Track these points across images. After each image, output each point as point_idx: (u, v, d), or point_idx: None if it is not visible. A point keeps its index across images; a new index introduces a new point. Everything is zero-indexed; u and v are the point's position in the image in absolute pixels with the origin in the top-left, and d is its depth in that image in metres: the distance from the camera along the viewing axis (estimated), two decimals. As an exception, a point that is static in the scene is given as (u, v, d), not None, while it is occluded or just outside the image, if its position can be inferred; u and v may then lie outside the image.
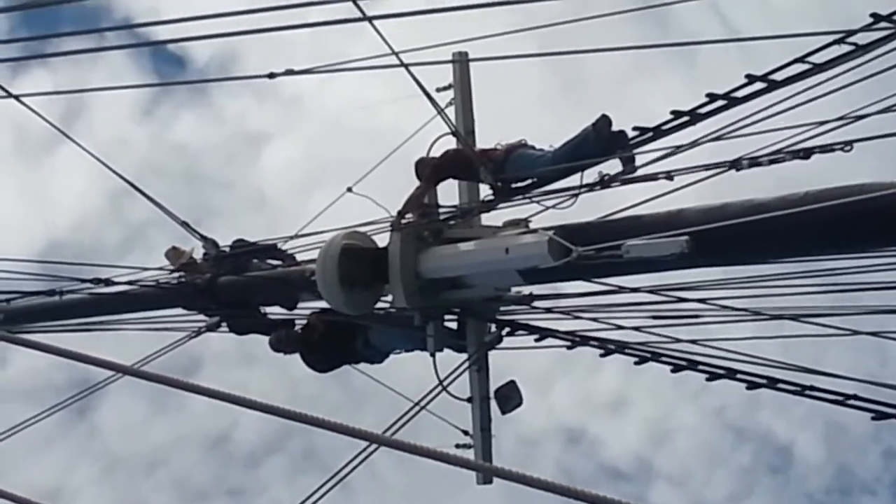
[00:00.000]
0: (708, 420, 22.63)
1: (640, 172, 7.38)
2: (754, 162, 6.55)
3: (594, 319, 8.03)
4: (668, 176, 7.07)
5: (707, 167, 6.86)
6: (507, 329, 8.59)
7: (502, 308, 8.62)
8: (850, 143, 6.20)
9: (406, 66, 7.80)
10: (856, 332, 7.18)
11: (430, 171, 8.66)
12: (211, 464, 22.00)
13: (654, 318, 7.85)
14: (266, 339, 9.70)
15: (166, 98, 23.50)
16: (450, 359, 8.69)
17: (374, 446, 6.91)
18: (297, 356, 9.54)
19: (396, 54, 7.69)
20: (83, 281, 10.32)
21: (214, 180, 23.04)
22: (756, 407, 21.38)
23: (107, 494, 20.39)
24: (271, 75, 8.49)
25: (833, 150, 6.26)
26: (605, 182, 7.55)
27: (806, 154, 6.28)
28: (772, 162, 6.44)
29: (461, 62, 8.89)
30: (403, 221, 8.32)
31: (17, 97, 8.88)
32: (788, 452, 22.48)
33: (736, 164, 6.64)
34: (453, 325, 8.78)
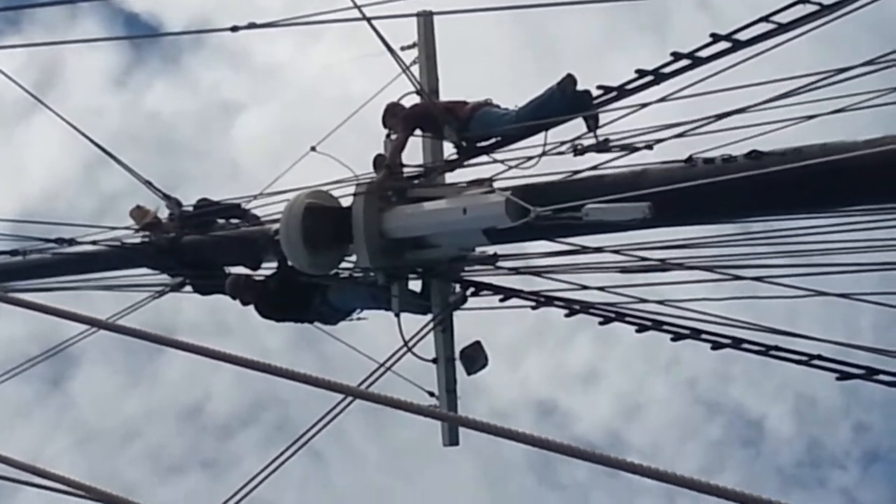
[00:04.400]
0: (679, 393, 22.73)
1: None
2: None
3: (558, 279, 7.95)
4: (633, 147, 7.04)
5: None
6: (471, 289, 8.50)
7: (467, 268, 8.53)
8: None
9: (369, 20, 7.71)
10: (820, 293, 7.11)
11: (404, 120, 8.56)
12: (185, 435, 22.06)
13: (620, 277, 7.80)
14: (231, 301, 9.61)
15: (140, 68, 23.40)
16: (415, 320, 8.61)
17: (348, 400, 7.06)
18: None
19: (359, 8, 7.59)
20: (47, 241, 10.24)
21: (188, 149, 23.01)
22: (727, 380, 21.48)
23: (82, 464, 20.41)
24: (234, 28, 8.50)
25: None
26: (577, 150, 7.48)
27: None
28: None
29: (425, 17, 8.78)
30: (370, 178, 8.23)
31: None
32: (759, 426, 22.60)
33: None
34: (418, 287, 8.68)
